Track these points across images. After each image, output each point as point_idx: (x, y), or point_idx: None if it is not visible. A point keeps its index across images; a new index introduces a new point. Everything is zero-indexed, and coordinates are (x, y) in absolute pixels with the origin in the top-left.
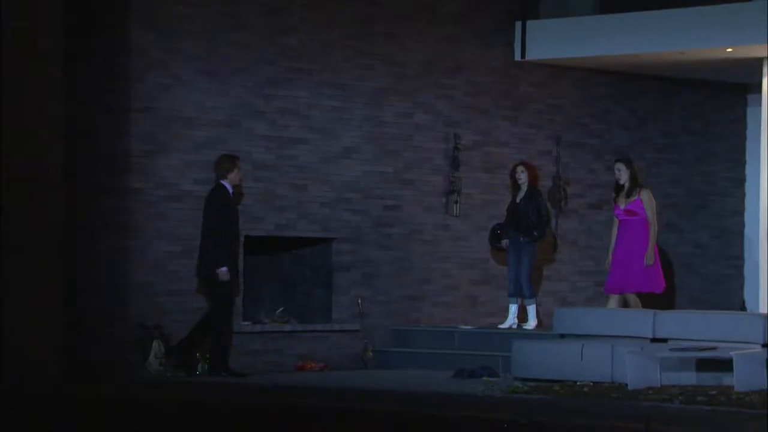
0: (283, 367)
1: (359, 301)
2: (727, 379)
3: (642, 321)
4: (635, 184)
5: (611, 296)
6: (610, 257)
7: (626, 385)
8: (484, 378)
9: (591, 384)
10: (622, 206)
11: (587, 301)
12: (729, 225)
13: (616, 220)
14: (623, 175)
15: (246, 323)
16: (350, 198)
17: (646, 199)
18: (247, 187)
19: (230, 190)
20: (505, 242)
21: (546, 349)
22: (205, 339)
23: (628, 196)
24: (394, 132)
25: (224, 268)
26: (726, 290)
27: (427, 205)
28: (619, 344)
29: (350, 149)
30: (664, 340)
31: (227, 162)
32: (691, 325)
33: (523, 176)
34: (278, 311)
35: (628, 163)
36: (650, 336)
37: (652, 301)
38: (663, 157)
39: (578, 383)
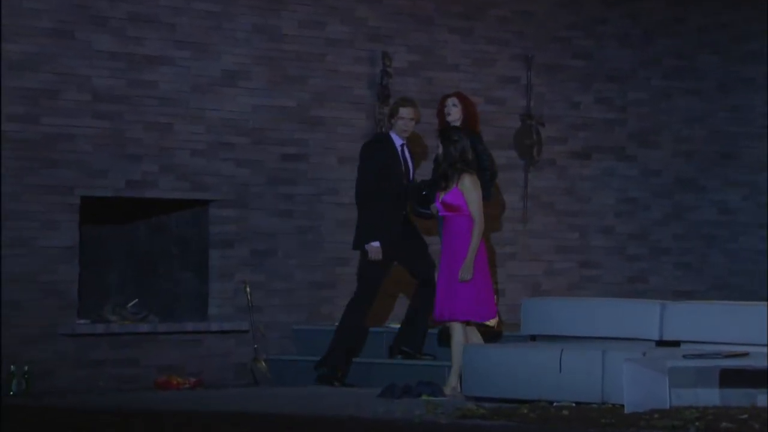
0: (139, 383)
1: (247, 289)
2: (762, 398)
3: (645, 316)
4: (454, 167)
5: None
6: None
7: (623, 406)
8: (424, 397)
9: (573, 405)
10: (439, 198)
11: (569, 290)
12: (766, 182)
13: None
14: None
15: (83, 322)
16: (234, 143)
17: (468, 187)
18: (84, 127)
19: (396, 143)
20: (434, 207)
21: (510, 357)
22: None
23: (445, 183)
24: (297, 50)
25: (376, 243)
26: (761, 272)
27: (345, 154)
28: (613, 349)
29: (234, 74)
30: (676, 344)
31: (392, 106)
32: (712, 322)
33: (454, 111)
34: (131, 305)
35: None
36: (656, 338)
37: None
38: (675, 85)
39: (555, 404)
